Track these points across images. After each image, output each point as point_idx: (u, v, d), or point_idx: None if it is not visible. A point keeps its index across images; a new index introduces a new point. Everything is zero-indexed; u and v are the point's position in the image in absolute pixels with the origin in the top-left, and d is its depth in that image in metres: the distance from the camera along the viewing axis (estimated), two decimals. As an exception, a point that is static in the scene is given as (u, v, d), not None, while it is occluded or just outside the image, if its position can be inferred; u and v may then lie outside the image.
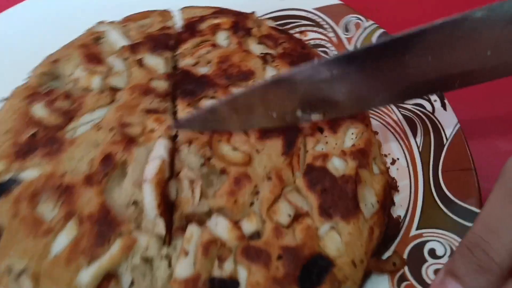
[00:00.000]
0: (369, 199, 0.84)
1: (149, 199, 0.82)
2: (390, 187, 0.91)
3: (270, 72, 1.00)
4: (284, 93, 0.83)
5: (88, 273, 0.76)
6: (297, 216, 0.81)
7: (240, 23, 1.13)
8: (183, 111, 0.95)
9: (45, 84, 1.03)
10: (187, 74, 1.01)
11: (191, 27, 1.14)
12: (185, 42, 1.10)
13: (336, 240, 0.79)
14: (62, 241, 0.79)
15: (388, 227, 0.85)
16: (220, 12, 1.18)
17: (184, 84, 0.99)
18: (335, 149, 0.88)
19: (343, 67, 0.77)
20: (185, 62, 1.05)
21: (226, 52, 1.05)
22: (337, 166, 0.86)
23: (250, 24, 1.13)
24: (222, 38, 1.10)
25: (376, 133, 0.97)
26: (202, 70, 1.03)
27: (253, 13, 1.18)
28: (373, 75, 0.78)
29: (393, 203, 0.90)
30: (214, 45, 1.07)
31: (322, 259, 0.77)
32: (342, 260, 0.78)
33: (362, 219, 0.81)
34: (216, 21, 1.14)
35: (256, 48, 1.07)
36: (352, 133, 0.90)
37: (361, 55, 0.76)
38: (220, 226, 0.80)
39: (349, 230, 0.80)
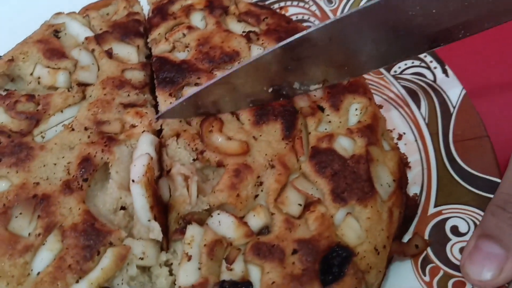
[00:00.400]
0: (384, 179, 0.80)
1: (140, 202, 0.75)
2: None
3: (256, 51, 0.94)
4: (279, 65, 0.80)
5: (78, 291, 0.69)
6: (308, 205, 0.76)
7: (214, 1, 1.05)
8: (165, 102, 0.88)
9: (1, 88, 0.95)
10: (165, 61, 0.93)
11: (161, 11, 1.06)
12: (157, 27, 1.02)
13: (354, 226, 0.74)
14: (44, 257, 0.72)
15: (407, 207, 0.81)
16: (191, -9, 1.10)
17: (162, 73, 0.92)
18: (340, 128, 0.83)
19: (341, 29, 0.74)
20: (160, 49, 0.98)
21: (205, 33, 0.97)
22: (345, 145, 0.81)
23: (226, 2, 1.06)
24: (197, 19, 1.03)
25: (380, 106, 0.93)
26: (181, 55, 0.96)
27: (227, -9, 1.11)
28: (376, 33, 0.74)
29: (407, 181, 0.85)
30: (190, 28, 1.00)
31: (341, 249, 0.72)
32: (364, 247, 0.73)
33: (379, 201, 0.76)
34: (188, 1, 1.06)
35: (237, 27, 1.00)
36: (356, 109, 0.85)
37: (362, 14, 0.72)
38: (224, 224, 0.73)
39: (367, 215, 0.75)
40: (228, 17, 1.03)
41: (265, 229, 0.74)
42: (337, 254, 0.71)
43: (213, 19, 1.01)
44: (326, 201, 0.76)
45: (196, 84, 0.89)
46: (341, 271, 0.70)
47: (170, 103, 0.87)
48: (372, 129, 0.83)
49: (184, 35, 0.98)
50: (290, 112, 0.84)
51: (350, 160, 0.79)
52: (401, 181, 0.81)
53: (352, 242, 0.73)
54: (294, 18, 1.16)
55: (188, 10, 1.04)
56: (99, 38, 0.99)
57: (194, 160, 0.81)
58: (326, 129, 0.83)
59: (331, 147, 0.80)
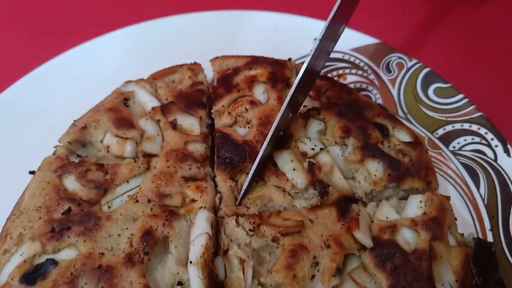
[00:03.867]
0: (446, 278, 0.76)
1: (197, 283, 0.77)
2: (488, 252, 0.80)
3: (314, 127, 0.95)
4: None
5: None
6: (364, 299, 0.74)
7: (277, 73, 1.07)
8: (225, 184, 0.90)
9: (74, 153, 0.99)
10: (227, 139, 0.95)
11: (226, 81, 1.08)
12: (221, 98, 1.04)
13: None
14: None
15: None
16: (254, 61, 1.11)
17: (224, 152, 0.93)
18: (403, 219, 0.82)
19: None
20: (223, 122, 1.00)
21: (266, 111, 0.99)
22: (408, 238, 0.79)
23: (288, 74, 1.07)
24: (260, 92, 1.04)
25: (448, 198, 0.88)
26: (242, 131, 0.97)
27: (289, 60, 1.13)
28: None
29: (472, 282, 0.79)
30: (252, 102, 1.01)
31: None
32: None
33: (439, 304, 0.75)
34: (251, 72, 1.08)
35: (299, 100, 1.00)
36: (420, 201, 0.84)
37: None
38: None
39: (425, 318, 0.73)
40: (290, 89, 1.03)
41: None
42: None
43: (275, 93, 1.02)
44: (383, 297, 0.75)
45: (247, 174, 0.90)
46: None
47: (230, 186, 0.89)
48: (438, 222, 0.80)
49: (246, 110, 1.00)
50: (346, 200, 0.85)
51: (412, 255, 0.77)
52: (465, 281, 0.77)
53: None
54: (352, 86, 1.16)
55: (251, 81, 1.06)
56: (164, 109, 1.02)
57: (250, 230, 0.81)
58: (387, 217, 0.82)
59: (393, 239, 0.79)
